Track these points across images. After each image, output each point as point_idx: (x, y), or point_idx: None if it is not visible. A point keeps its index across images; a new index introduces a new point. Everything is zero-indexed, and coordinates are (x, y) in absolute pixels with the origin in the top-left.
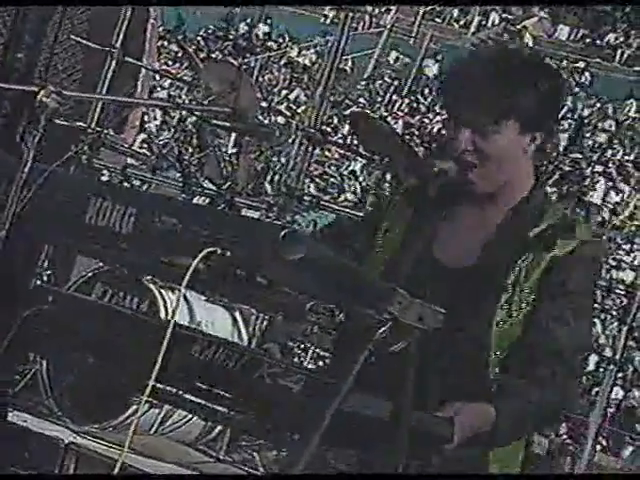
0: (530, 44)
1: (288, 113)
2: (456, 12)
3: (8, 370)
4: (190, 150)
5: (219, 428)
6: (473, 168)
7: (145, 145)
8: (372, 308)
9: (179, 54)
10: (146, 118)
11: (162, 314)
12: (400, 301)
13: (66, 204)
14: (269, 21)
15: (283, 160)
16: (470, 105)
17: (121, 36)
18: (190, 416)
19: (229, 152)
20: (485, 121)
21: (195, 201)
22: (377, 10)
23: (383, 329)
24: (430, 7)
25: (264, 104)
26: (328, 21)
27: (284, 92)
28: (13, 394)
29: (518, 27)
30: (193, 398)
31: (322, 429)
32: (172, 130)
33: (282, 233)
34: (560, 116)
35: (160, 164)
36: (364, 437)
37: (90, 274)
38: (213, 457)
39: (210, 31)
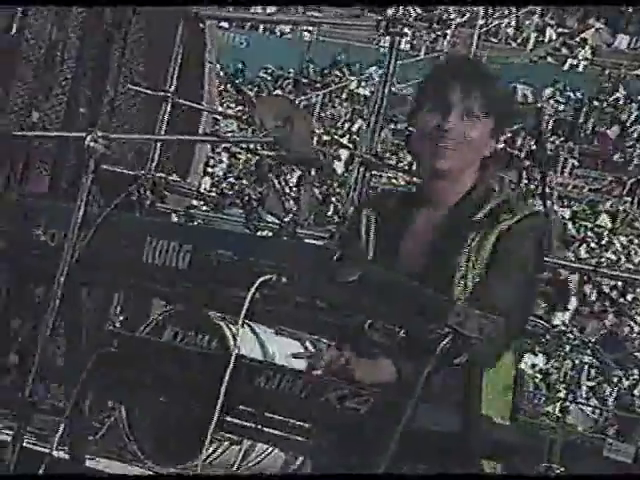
0: (589, 55)
1: (351, 145)
2: (511, 31)
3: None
4: (252, 186)
5: (301, 458)
6: (452, 150)
7: (212, 188)
8: (432, 322)
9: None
10: (212, 162)
11: (232, 349)
12: (459, 313)
13: (123, 246)
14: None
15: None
16: (461, 92)
17: (174, 80)
18: (271, 449)
19: (291, 185)
20: (475, 109)
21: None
22: (433, 35)
23: (444, 342)
24: (484, 29)
25: (327, 137)
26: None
27: (347, 125)
28: (95, 441)
29: (576, 40)
30: (266, 429)
31: (393, 448)
32: (238, 171)
33: (335, 255)
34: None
35: (222, 202)
36: (436, 452)
37: (160, 317)
38: None
39: (270, 70)
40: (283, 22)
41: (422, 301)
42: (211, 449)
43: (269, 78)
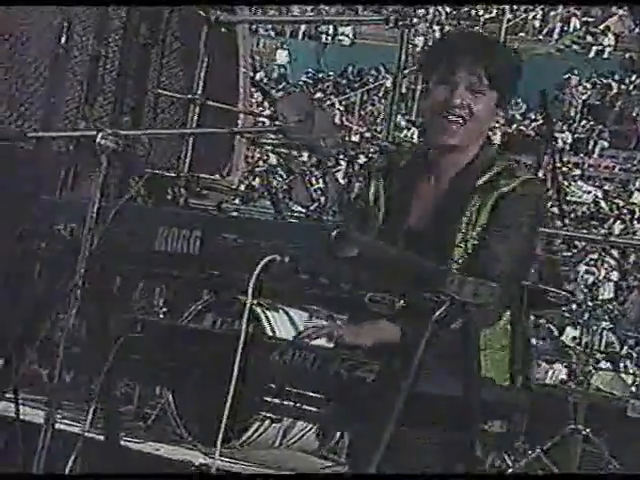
0: (612, 42)
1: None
2: (537, 23)
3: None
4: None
5: (339, 433)
6: (459, 123)
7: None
8: (428, 291)
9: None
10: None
11: (268, 332)
12: (453, 280)
13: (136, 235)
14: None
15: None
16: (467, 68)
17: (201, 83)
18: (310, 426)
19: (316, 175)
20: (478, 81)
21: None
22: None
23: (442, 309)
24: (511, 23)
25: (368, 134)
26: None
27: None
28: (146, 426)
29: (600, 28)
30: (284, 402)
31: (398, 412)
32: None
33: (333, 233)
34: None
35: (251, 195)
36: (440, 414)
37: (200, 307)
38: (335, 462)
39: (310, 74)
40: (298, 22)
41: (418, 271)
42: (252, 428)
43: (310, 81)
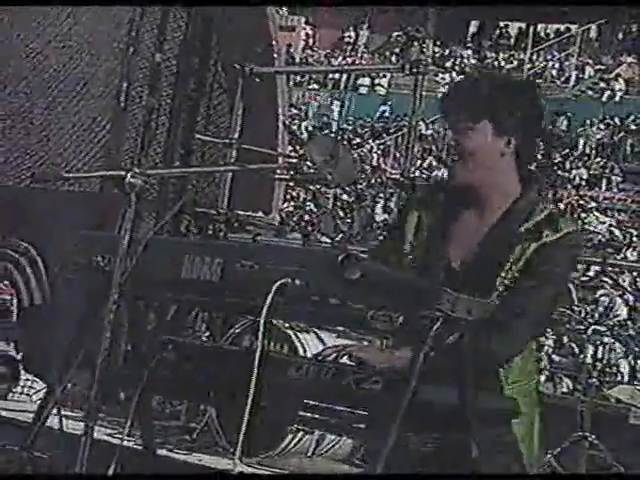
0: (623, 87)
1: (424, 177)
2: (554, 72)
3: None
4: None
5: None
6: (455, 161)
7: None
8: (426, 309)
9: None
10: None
11: (300, 352)
12: (448, 299)
13: (165, 264)
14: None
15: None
16: (454, 109)
17: (237, 128)
18: (339, 437)
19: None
20: (463, 120)
21: None
22: None
23: (437, 325)
24: (531, 71)
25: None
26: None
27: (419, 162)
28: (192, 439)
29: (612, 75)
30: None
31: (399, 419)
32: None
33: (340, 257)
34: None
35: (284, 229)
36: (439, 421)
37: (239, 329)
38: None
39: (350, 121)
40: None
41: (416, 291)
42: (287, 440)
43: (350, 128)
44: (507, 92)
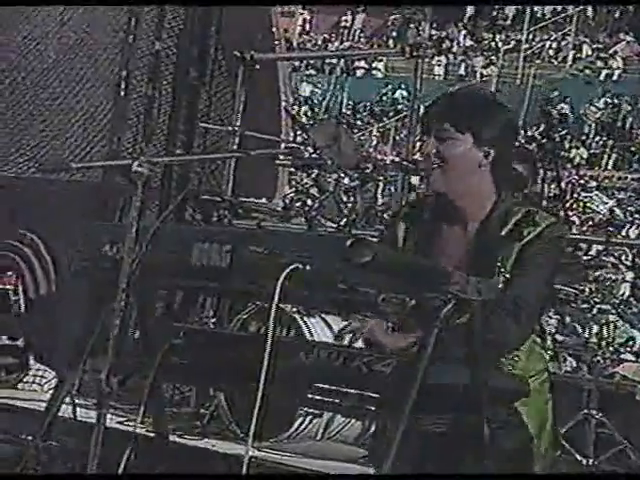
0: (620, 65)
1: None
2: (552, 51)
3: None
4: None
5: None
6: (434, 168)
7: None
8: (436, 291)
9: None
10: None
11: (307, 336)
12: (458, 281)
13: (175, 251)
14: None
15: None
16: (436, 118)
17: (239, 116)
18: (348, 420)
19: (346, 192)
20: (445, 129)
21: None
22: (482, 62)
23: (448, 307)
24: (529, 52)
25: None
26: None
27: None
28: (202, 425)
29: (610, 52)
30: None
31: (411, 400)
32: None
33: (349, 242)
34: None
35: (287, 214)
36: (450, 401)
37: (245, 316)
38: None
39: (350, 105)
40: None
41: (426, 273)
42: (297, 423)
43: (349, 112)
44: (488, 107)
